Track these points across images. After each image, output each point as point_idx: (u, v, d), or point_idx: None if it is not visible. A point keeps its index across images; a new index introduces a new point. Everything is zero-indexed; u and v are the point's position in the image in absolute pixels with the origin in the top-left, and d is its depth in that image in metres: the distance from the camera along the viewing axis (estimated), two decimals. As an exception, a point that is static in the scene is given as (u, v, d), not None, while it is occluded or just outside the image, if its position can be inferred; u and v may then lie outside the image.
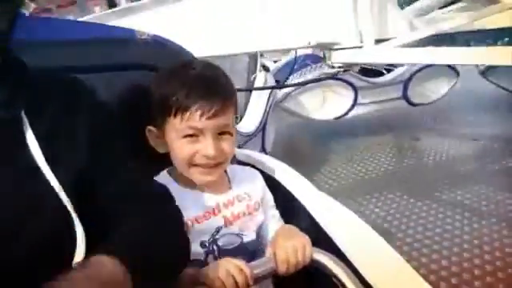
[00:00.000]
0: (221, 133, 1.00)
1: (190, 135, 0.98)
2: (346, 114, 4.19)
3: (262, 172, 1.18)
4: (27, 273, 0.65)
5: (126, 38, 1.14)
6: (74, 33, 1.11)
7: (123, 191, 0.80)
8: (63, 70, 0.97)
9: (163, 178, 1.05)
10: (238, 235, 1.04)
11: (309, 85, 3.90)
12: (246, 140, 3.14)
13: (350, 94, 4.09)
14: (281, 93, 3.87)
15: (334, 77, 3.59)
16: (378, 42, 2.73)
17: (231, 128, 1.02)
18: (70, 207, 0.71)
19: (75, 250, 0.71)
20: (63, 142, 0.75)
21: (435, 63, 2.89)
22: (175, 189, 0.96)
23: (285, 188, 1.18)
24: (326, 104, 4.08)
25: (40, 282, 0.59)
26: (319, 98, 4.03)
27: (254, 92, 3.59)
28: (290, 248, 0.96)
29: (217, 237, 1.02)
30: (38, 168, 0.71)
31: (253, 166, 1.22)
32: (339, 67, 2.82)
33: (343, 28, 2.74)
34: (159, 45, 1.16)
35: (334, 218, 1.07)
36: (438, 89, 4.30)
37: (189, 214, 0.98)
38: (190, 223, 0.99)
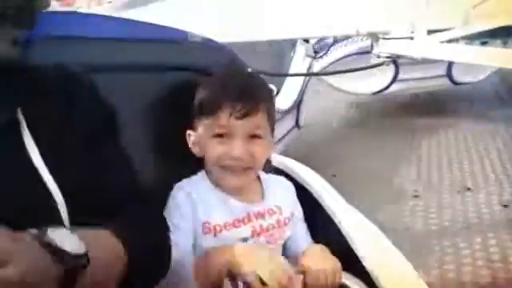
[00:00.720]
0: (252, 136, 1.00)
1: (220, 135, 0.99)
2: (386, 89, 4.06)
3: (293, 180, 1.19)
4: None
5: (177, 40, 1.14)
6: (125, 32, 1.10)
7: (120, 194, 0.79)
8: (110, 68, 1.01)
9: (198, 177, 1.07)
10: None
11: (349, 58, 3.77)
12: (281, 116, 3.08)
13: (391, 69, 3.94)
14: (319, 65, 3.76)
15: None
16: (429, 32, 2.60)
17: (264, 132, 1.02)
18: (64, 211, 0.70)
19: None
20: (62, 144, 0.74)
21: (493, 65, 2.73)
22: (207, 188, 1.03)
23: (316, 200, 1.17)
24: (365, 78, 3.95)
25: None
26: (358, 72, 3.91)
27: (292, 66, 3.51)
28: (321, 274, 0.98)
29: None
30: (35, 171, 0.70)
31: (286, 175, 1.21)
32: (386, 57, 2.71)
33: (394, 17, 2.61)
34: (210, 47, 1.17)
35: (363, 238, 1.07)
36: (484, 67, 4.11)
37: (217, 218, 1.01)
38: (218, 228, 1.01)
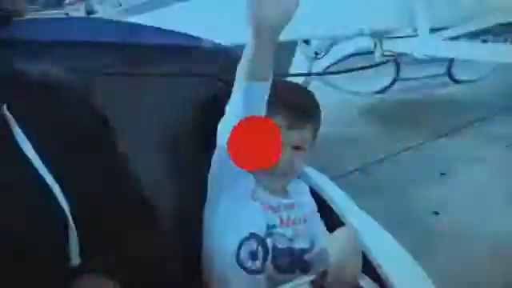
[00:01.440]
0: (296, 147, 1.06)
1: None
2: (388, 88, 4.09)
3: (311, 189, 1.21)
4: (17, 274, 0.67)
5: (191, 45, 1.17)
6: (139, 36, 1.13)
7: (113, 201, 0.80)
8: (123, 73, 1.05)
9: None
10: (290, 240, 1.07)
11: (350, 58, 3.79)
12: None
13: (392, 69, 3.97)
14: (321, 65, 3.78)
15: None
16: (432, 31, 2.63)
17: (308, 145, 1.08)
18: (67, 211, 0.71)
19: (70, 254, 0.72)
20: (56, 142, 0.74)
21: (496, 61, 2.76)
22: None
23: (327, 204, 1.19)
24: (367, 78, 3.98)
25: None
26: (359, 72, 3.93)
27: (292, 67, 3.53)
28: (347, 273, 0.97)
29: (272, 232, 1.05)
30: (33, 168, 0.70)
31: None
32: (390, 56, 2.74)
33: (397, 15, 2.63)
34: (223, 53, 1.19)
35: (377, 244, 1.07)
36: (483, 66, 4.15)
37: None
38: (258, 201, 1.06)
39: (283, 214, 1.08)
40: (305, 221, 1.11)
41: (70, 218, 0.72)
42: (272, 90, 1.03)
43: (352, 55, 3.71)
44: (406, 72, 4.01)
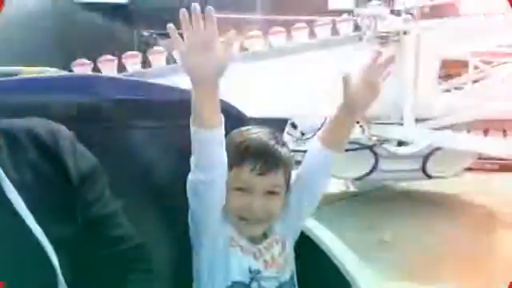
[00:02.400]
0: (270, 192, 1.09)
1: (240, 189, 1.07)
2: (365, 176, 4.28)
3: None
4: None
5: (183, 99, 1.20)
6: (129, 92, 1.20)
7: (102, 244, 0.84)
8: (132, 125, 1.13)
9: None
10: (276, 278, 1.11)
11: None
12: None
13: (371, 160, 4.19)
14: (304, 148, 3.97)
15: (365, 147, 3.71)
16: (418, 121, 2.88)
17: (281, 189, 1.11)
18: (54, 259, 0.73)
19: None
20: (42, 191, 0.76)
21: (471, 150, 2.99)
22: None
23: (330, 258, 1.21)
24: (346, 164, 4.17)
25: None
26: (343, 158, 4.11)
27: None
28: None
29: (257, 277, 1.09)
30: (19, 216, 0.72)
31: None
32: (377, 140, 2.95)
33: (386, 104, 2.87)
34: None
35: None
36: (458, 164, 4.41)
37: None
38: (238, 248, 1.09)
39: (266, 256, 1.11)
40: (283, 244, 1.15)
41: (60, 274, 0.74)
42: (238, 139, 1.09)
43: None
44: (383, 164, 4.24)
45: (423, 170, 4.36)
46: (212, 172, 1.01)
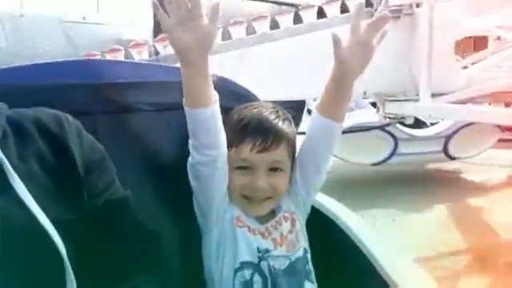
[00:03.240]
0: (272, 168, 1.04)
1: (243, 167, 1.04)
2: (384, 161, 4.18)
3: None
4: None
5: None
6: (152, 75, 1.18)
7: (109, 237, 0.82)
8: (135, 108, 1.09)
9: None
10: (286, 256, 1.06)
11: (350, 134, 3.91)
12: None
13: (390, 144, 4.09)
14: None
15: (376, 126, 3.62)
16: (434, 95, 2.78)
17: (284, 165, 1.06)
18: (61, 248, 0.71)
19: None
20: (48, 180, 0.76)
21: (490, 122, 2.88)
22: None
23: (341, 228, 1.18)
24: (365, 149, 4.08)
25: None
26: (359, 143, 4.04)
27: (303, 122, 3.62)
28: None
29: (265, 257, 1.04)
30: (24, 205, 0.71)
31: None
32: (392, 118, 2.86)
33: (399, 80, 2.79)
34: (225, 86, 1.19)
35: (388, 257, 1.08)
36: (480, 144, 4.29)
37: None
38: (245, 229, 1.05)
39: (275, 234, 1.07)
40: (293, 221, 1.10)
41: (68, 263, 0.73)
42: (237, 116, 1.06)
43: (352, 131, 3.84)
44: (403, 147, 4.14)
45: (445, 151, 4.26)
46: (211, 151, 0.99)
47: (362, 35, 1.02)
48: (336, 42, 1.01)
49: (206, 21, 0.92)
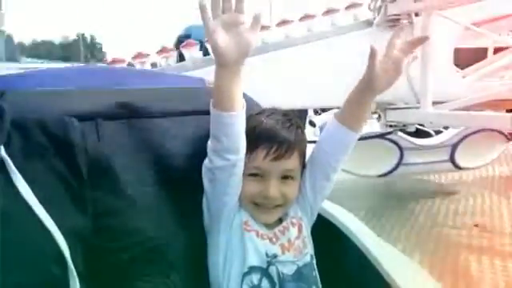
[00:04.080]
0: (284, 177, 1.06)
1: (255, 174, 1.05)
2: (391, 172, 4.15)
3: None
4: None
5: (197, 87, 1.25)
6: (156, 82, 1.22)
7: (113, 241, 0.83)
8: (139, 115, 1.09)
9: None
10: (294, 262, 1.06)
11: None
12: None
13: (396, 154, 4.06)
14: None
15: (380, 136, 3.61)
16: (434, 103, 2.77)
17: (296, 173, 1.07)
18: (66, 251, 0.72)
19: None
20: (53, 183, 0.77)
21: (492, 128, 2.86)
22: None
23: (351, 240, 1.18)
24: (371, 161, 4.05)
25: None
26: (363, 154, 4.02)
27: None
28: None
29: (273, 262, 1.04)
30: (30, 209, 0.72)
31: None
32: (394, 126, 2.85)
33: (400, 89, 2.78)
34: None
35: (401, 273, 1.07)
36: (486, 154, 4.25)
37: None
38: (253, 233, 1.05)
39: (283, 240, 1.07)
40: (299, 227, 1.10)
41: (71, 263, 0.73)
42: (251, 123, 1.06)
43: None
44: (409, 157, 4.10)
45: (452, 160, 4.23)
46: (232, 156, 1.00)
47: (397, 53, 1.01)
48: (373, 55, 1.00)
49: (247, 27, 0.95)
